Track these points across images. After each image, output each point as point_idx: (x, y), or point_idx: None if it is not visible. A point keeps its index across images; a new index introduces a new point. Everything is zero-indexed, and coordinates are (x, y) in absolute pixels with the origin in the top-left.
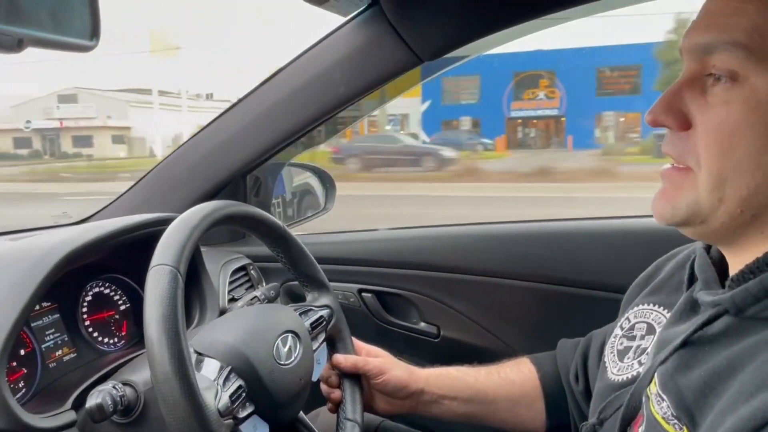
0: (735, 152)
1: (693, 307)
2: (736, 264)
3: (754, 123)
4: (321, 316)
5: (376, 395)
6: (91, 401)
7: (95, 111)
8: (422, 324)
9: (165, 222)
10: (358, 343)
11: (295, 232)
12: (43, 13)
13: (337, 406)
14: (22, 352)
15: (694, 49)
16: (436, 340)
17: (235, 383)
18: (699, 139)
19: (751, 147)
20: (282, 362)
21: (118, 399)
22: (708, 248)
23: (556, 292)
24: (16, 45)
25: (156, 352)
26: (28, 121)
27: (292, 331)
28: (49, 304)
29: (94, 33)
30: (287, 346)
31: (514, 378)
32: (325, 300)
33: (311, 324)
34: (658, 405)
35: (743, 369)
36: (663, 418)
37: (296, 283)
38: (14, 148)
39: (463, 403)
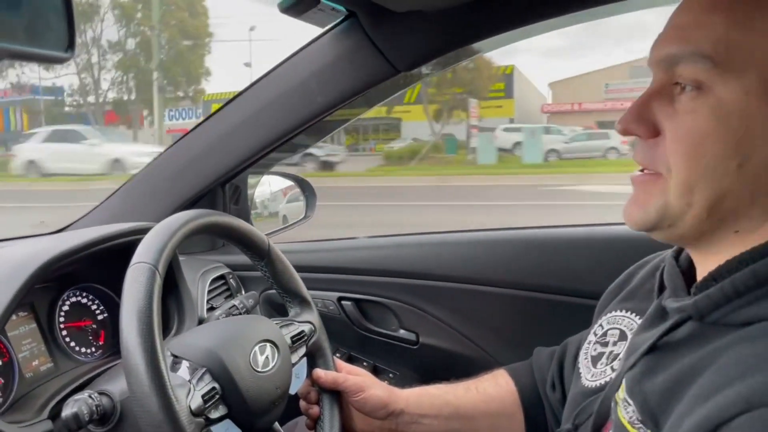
0: (702, 159)
1: (662, 314)
2: (702, 272)
3: (720, 132)
4: (302, 331)
5: (355, 414)
6: (67, 410)
7: None
8: (401, 331)
9: (143, 231)
10: (339, 362)
11: (274, 240)
12: (18, 25)
13: (315, 423)
14: None
15: (661, 61)
16: (415, 347)
17: (209, 384)
18: (668, 146)
19: (717, 155)
20: (258, 369)
21: (94, 408)
22: (677, 257)
23: (534, 298)
24: None
25: (130, 345)
26: None
27: (270, 341)
28: (25, 313)
29: (70, 45)
30: (265, 355)
31: (492, 392)
32: (307, 316)
33: (291, 337)
34: (624, 410)
35: (702, 373)
36: (629, 422)
37: (275, 291)
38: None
39: (443, 421)
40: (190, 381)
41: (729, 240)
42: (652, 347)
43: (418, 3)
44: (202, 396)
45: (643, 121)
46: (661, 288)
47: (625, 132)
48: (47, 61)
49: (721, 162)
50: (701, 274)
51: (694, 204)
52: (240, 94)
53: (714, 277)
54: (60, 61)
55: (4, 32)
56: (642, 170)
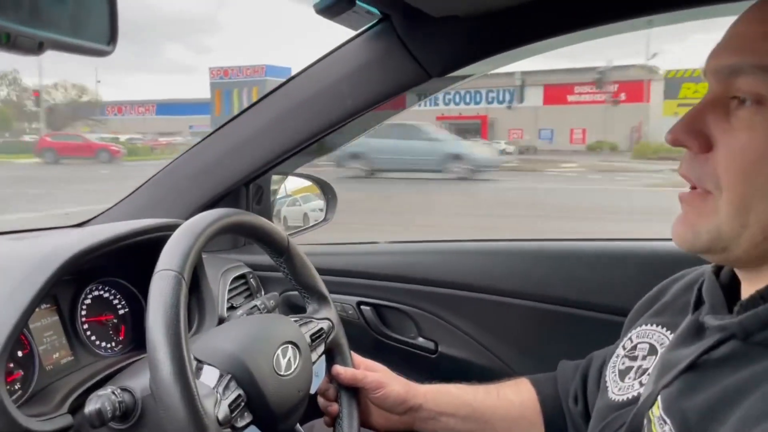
0: (758, 178)
1: (698, 330)
2: (748, 289)
3: None
4: (321, 328)
5: (374, 410)
6: (90, 406)
7: None
8: (420, 339)
9: (167, 228)
10: (357, 358)
11: (296, 242)
12: (63, 16)
13: (333, 420)
14: (20, 353)
15: (719, 71)
16: (434, 356)
17: (235, 392)
18: (719, 162)
19: None
20: (282, 373)
21: (117, 405)
22: (717, 272)
23: (557, 312)
24: (37, 47)
25: (158, 358)
26: None
27: (293, 342)
28: (48, 305)
29: (112, 38)
30: (287, 357)
31: (513, 399)
32: (325, 312)
33: (311, 335)
34: (660, 428)
35: (748, 396)
36: None
37: (296, 293)
38: None
39: (460, 420)
40: (215, 389)
41: None
42: (692, 365)
43: (455, 8)
44: (229, 405)
45: (695, 134)
46: (698, 304)
47: (675, 142)
48: (90, 53)
49: None
50: (747, 291)
51: (749, 225)
52: (269, 94)
53: (762, 295)
54: (101, 54)
55: (49, 22)
56: (690, 189)
